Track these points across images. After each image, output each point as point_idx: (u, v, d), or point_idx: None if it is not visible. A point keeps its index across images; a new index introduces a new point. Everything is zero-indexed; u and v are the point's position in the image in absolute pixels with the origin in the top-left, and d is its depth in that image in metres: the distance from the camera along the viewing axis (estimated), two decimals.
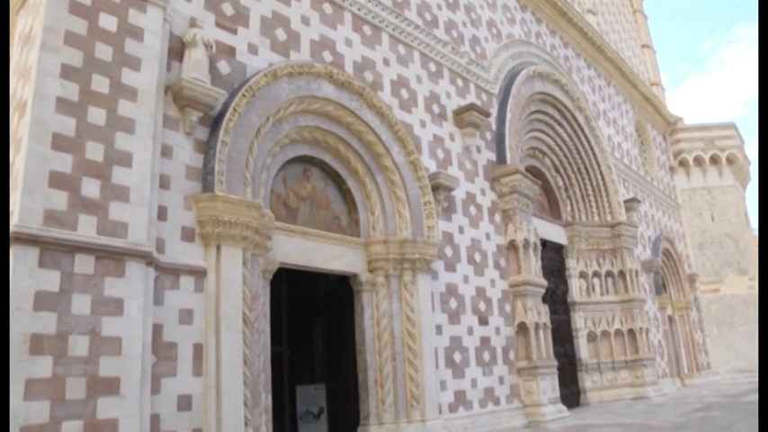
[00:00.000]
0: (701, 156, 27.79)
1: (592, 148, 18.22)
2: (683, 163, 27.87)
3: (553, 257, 16.75)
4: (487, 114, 13.48)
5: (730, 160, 27.91)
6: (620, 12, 27.93)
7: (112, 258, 6.22)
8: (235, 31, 8.84)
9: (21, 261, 5.53)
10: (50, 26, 6.43)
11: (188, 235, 7.42)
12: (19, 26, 7.40)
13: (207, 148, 7.79)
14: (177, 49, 7.89)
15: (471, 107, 12.91)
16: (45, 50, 6.32)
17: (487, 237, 12.95)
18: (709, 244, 26.87)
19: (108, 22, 6.96)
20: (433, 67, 12.84)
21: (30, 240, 5.62)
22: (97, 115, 6.54)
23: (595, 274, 17.65)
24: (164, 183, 7.26)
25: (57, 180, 6.01)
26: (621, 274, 17.69)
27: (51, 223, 5.86)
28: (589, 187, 18.30)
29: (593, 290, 17.47)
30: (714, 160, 27.91)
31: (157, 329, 6.75)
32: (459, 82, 13.59)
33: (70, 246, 5.91)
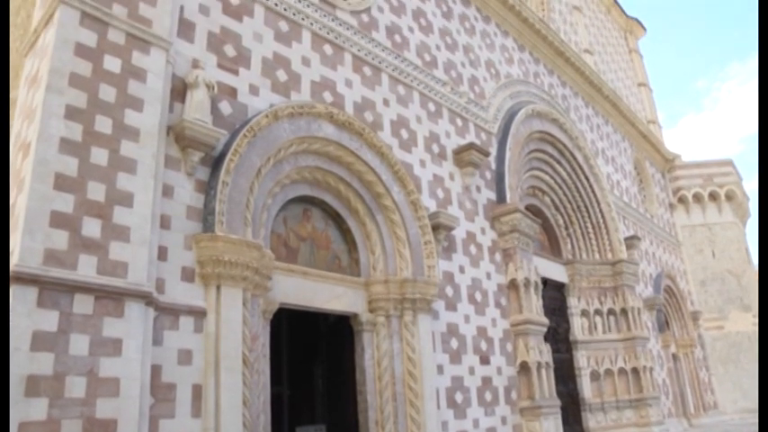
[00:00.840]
0: (699, 192, 27.90)
1: (591, 187, 18.30)
2: (682, 200, 27.97)
3: (554, 296, 16.66)
4: (487, 154, 13.58)
5: (729, 197, 28.01)
6: (616, 51, 28.35)
7: (112, 298, 6.19)
8: (236, 72, 8.97)
9: (20, 301, 5.50)
10: (56, 68, 6.54)
11: (188, 275, 7.40)
12: (26, 68, 7.51)
13: (208, 188, 7.83)
14: (179, 90, 7.98)
15: (471, 146, 13.01)
16: (50, 92, 6.41)
17: (488, 276, 12.91)
18: (711, 281, 26.78)
19: (112, 63, 7.08)
20: (432, 106, 12.98)
21: (29, 280, 5.61)
22: (100, 155, 6.60)
23: (597, 312, 17.54)
24: (164, 223, 7.28)
25: (58, 220, 6.03)
26: (623, 311, 17.57)
27: (51, 263, 5.86)
28: (589, 225, 18.31)
29: (596, 328, 17.33)
30: (713, 197, 28.02)
31: (156, 370, 6.68)
32: (459, 121, 13.73)
33: (70, 285, 5.89)
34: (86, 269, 6.11)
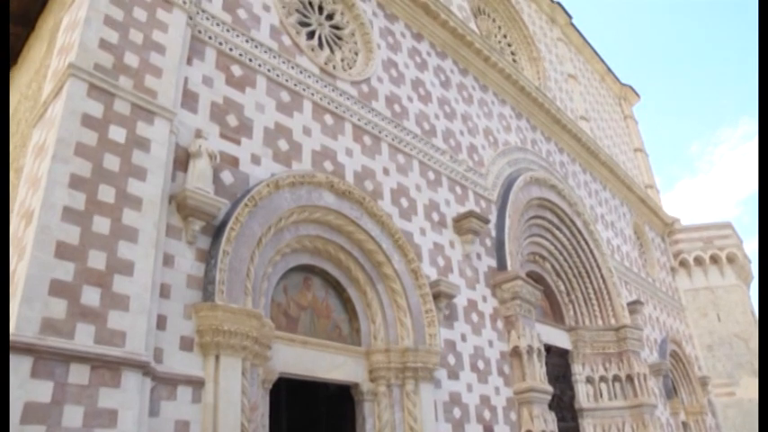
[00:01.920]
0: (700, 256, 27.85)
1: (592, 252, 18.29)
2: (683, 263, 27.89)
3: (558, 363, 16.40)
4: (487, 221, 13.64)
5: (731, 259, 27.94)
6: (611, 118, 28.88)
7: (108, 368, 6.10)
8: (238, 142, 9.13)
9: (13, 371, 5.41)
10: (63, 138, 6.68)
11: (187, 344, 7.31)
12: (34, 138, 7.64)
13: (208, 257, 7.84)
14: (182, 160, 8.11)
15: (470, 214, 13.08)
16: (56, 161, 6.52)
17: (490, 344, 12.75)
18: (719, 345, 26.38)
19: (117, 133, 7.23)
20: (432, 175, 13.13)
21: (24, 349, 5.53)
22: (102, 224, 6.64)
23: (602, 378, 17.21)
24: (164, 292, 7.25)
25: (57, 288, 6.01)
26: (629, 378, 17.24)
27: (48, 332, 5.79)
28: (591, 291, 18.21)
29: (601, 395, 16.96)
30: (714, 260, 27.94)
31: None
32: (458, 189, 13.86)
33: (66, 355, 5.81)
34: (84, 338, 6.04)
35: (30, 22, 14.11)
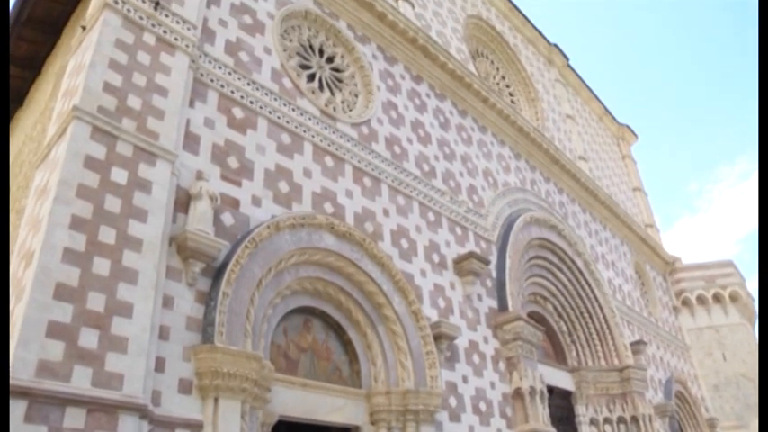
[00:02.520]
0: (703, 294, 27.68)
1: (593, 292, 18.22)
2: (685, 302, 27.70)
3: (561, 404, 16.16)
4: (487, 262, 13.62)
5: (734, 298, 27.76)
6: (609, 157, 29.07)
7: (105, 411, 6.01)
8: (239, 184, 9.18)
9: None
10: (65, 180, 6.73)
11: (185, 387, 7.23)
12: (36, 180, 7.69)
13: (208, 299, 7.81)
14: (183, 201, 8.14)
15: (471, 255, 13.07)
16: (57, 203, 6.55)
17: (492, 385, 12.60)
18: (726, 385, 26.01)
19: (119, 175, 7.28)
20: (432, 216, 13.17)
21: (19, 393, 5.45)
22: (102, 266, 6.64)
23: (606, 420, 16.94)
24: (163, 334, 7.20)
25: (55, 330, 5.97)
26: (634, 419, 16.97)
27: (44, 374, 5.73)
28: (593, 331, 18.07)
29: None
30: (717, 298, 27.76)
31: None
32: (458, 230, 13.87)
33: (62, 398, 5.73)
34: (80, 381, 5.98)
35: (37, 65, 14.37)
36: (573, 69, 27.78)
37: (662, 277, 27.71)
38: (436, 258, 12.67)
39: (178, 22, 9.20)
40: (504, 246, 14.99)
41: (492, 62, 22.52)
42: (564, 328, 17.79)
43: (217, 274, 8.04)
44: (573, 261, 17.90)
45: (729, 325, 27.27)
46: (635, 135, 32.58)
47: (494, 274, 14.37)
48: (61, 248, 6.38)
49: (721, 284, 27.90)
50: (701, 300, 27.71)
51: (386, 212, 11.88)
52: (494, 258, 14.62)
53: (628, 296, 22.24)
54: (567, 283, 17.78)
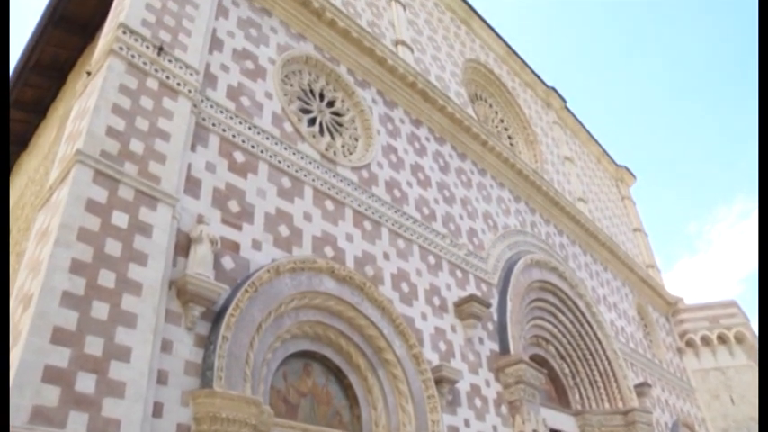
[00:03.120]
0: (707, 335, 27.35)
1: (595, 334, 18.07)
2: (690, 343, 27.38)
3: None
4: (488, 305, 13.54)
5: (739, 339, 27.42)
6: (609, 198, 29.17)
7: None
8: (240, 228, 9.20)
9: None
10: (66, 223, 6.75)
11: None
12: (37, 223, 7.71)
13: (207, 342, 7.76)
14: (183, 245, 8.16)
15: (472, 298, 13.02)
16: (58, 246, 6.56)
17: (494, 429, 12.39)
18: (735, 429, 25.45)
19: (120, 219, 7.32)
20: (432, 259, 13.15)
21: None
22: (100, 309, 6.61)
23: None
24: (161, 378, 7.12)
25: (51, 375, 5.90)
26: None
27: (38, 420, 5.64)
28: (596, 373, 17.86)
29: None
30: (722, 339, 27.42)
31: None
32: (459, 273, 13.84)
33: None
34: (76, 427, 5.89)
35: (42, 110, 14.59)
36: (570, 112, 28.12)
37: (665, 318, 27.49)
38: (437, 301, 12.61)
39: (181, 68, 9.37)
40: (505, 288, 14.93)
41: (491, 105, 22.82)
42: (567, 371, 17.59)
43: (216, 317, 8.00)
44: (574, 303, 17.81)
45: (736, 366, 26.89)
46: (633, 176, 32.75)
47: (495, 316, 14.28)
48: (60, 292, 6.36)
49: (726, 325, 27.62)
50: (706, 341, 27.39)
51: (386, 256, 11.87)
52: (495, 301, 14.54)
53: (631, 337, 22.04)
54: (569, 325, 17.65)
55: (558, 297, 17.49)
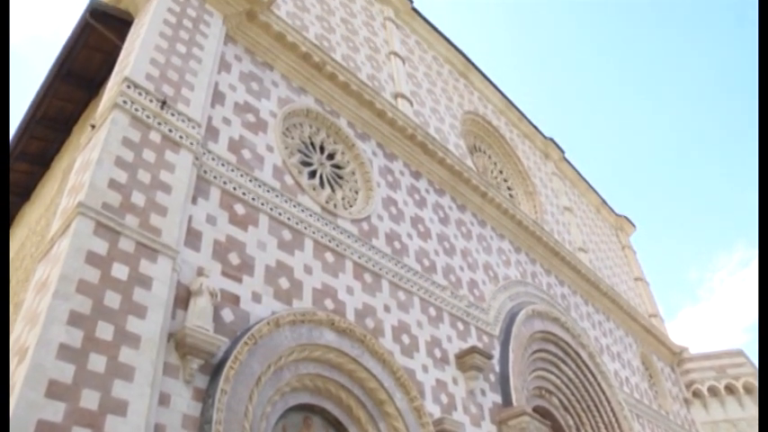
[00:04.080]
0: (715, 386, 26.84)
1: (599, 385, 17.81)
2: (697, 394, 26.87)
3: None
4: (490, 357, 13.38)
5: (748, 389, 26.89)
6: (609, 248, 29.15)
7: None
8: (240, 280, 9.19)
9: None
10: (66, 275, 6.74)
11: None
12: (37, 274, 7.69)
13: (206, 396, 7.65)
14: (183, 298, 8.13)
15: (473, 350, 12.89)
16: (56, 298, 6.53)
17: None
18: None
19: (120, 271, 7.31)
20: (433, 311, 13.07)
21: None
22: (97, 362, 6.54)
23: None
24: None
25: (44, 430, 5.78)
26: None
27: None
28: (601, 425, 17.53)
29: None
30: (730, 390, 26.89)
31: None
32: (460, 325, 13.74)
33: None
34: None
35: (46, 161, 14.76)
36: (569, 162, 28.38)
37: (670, 368, 27.10)
38: (438, 354, 12.48)
39: (183, 121, 9.52)
40: (507, 340, 14.80)
41: (489, 156, 23.05)
42: (571, 423, 17.26)
43: (215, 370, 7.91)
44: (577, 353, 17.62)
45: (747, 419, 26.29)
46: (633, 225, 32.81)
47: (497, 368, 14.11)
48: (57, 344, 6.29)
49: (733, 375, 27.15)
50: (714, 391, 26.88)
51: (387, 308, 11.81)
52: (497, 353, 14.40)
53: (636, 388, 21.71)
54: (572, 376, 17.42)
55: (560, 348, 17.31)
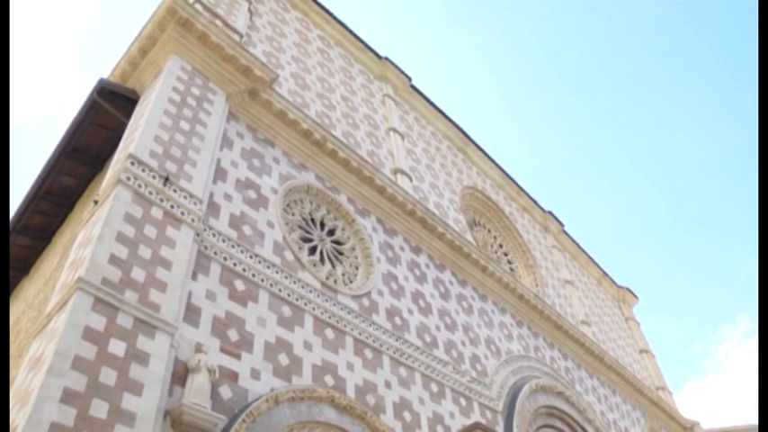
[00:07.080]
0: None
1: None
2: None
3: None
4: None
5: None
6: (612, 320, 28.85)
7: None
8: (239, 357, 9.06)
9: None
10: (61, 351, 6.63)
11: None
12: (32, 350, 7.57)
13: None
14: (181, 374, 7.99)
15: (476, 426, 12.53)
16: (50, 374, 6.40)
17: None
18: None
19: (117, 347, 7.20)
20: (434, 387, 12.83)
21: None
22: None
23: None
24: None
25: None
26: None
27: None
28: None
29: None
30: None
31: None
32: (462, 401, 13.45)
33: None
34: None
35: (48, 236, 14.81)
36: (569, 235, 28.48)
37: None
38: (441, 430, 12.16)
39: (185, 197, 9.62)
40: (511, 415, 14.45)
41: (489, 231, 23.16)
42: None
43: None
44: (583, 428, 17.16)
45: None
46: (636, 296, 32.58)
47: None
48: (48, 423, 6.10)
49: None
50: None
51: (388, 384, 11.59)
52: (500, 429, 14.03)
53: None
54: None
55: (565, 423, 16.89)
